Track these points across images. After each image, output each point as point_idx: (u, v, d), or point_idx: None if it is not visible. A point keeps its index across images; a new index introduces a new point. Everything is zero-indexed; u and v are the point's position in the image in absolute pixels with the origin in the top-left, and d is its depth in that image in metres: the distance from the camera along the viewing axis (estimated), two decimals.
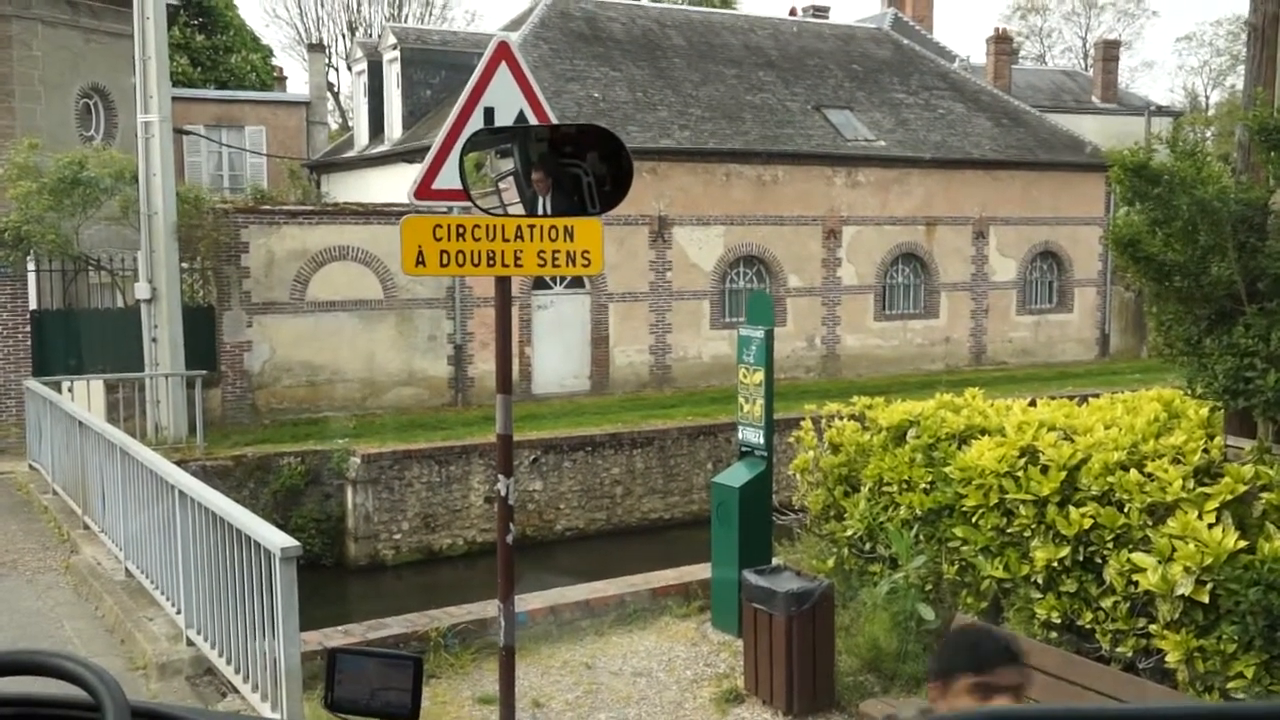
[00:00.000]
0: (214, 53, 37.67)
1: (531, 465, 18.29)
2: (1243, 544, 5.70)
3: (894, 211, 25.44)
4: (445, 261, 4.81)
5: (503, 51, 4.79)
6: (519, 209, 3.98)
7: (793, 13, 39.34)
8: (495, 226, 4.85)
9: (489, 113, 4.78)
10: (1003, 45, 40.23)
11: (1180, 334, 6.14)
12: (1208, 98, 64.06)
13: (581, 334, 22.44)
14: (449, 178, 4.80)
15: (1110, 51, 45.14)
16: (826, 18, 38.26)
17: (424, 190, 4.76)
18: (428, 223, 4.78)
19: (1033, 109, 31.14)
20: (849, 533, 8.03)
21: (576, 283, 22.18)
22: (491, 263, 4.84)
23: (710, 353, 23.36)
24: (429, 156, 4.77)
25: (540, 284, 21.59)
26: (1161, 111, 39.64)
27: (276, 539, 6.07)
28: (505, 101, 4.80)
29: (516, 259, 4.86)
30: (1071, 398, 8.67)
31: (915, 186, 25.64)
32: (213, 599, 7.20)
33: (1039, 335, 27.67)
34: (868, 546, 7.92)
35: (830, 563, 8.14)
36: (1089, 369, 26.58)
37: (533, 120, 4.82)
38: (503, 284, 5.02)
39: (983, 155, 26.44)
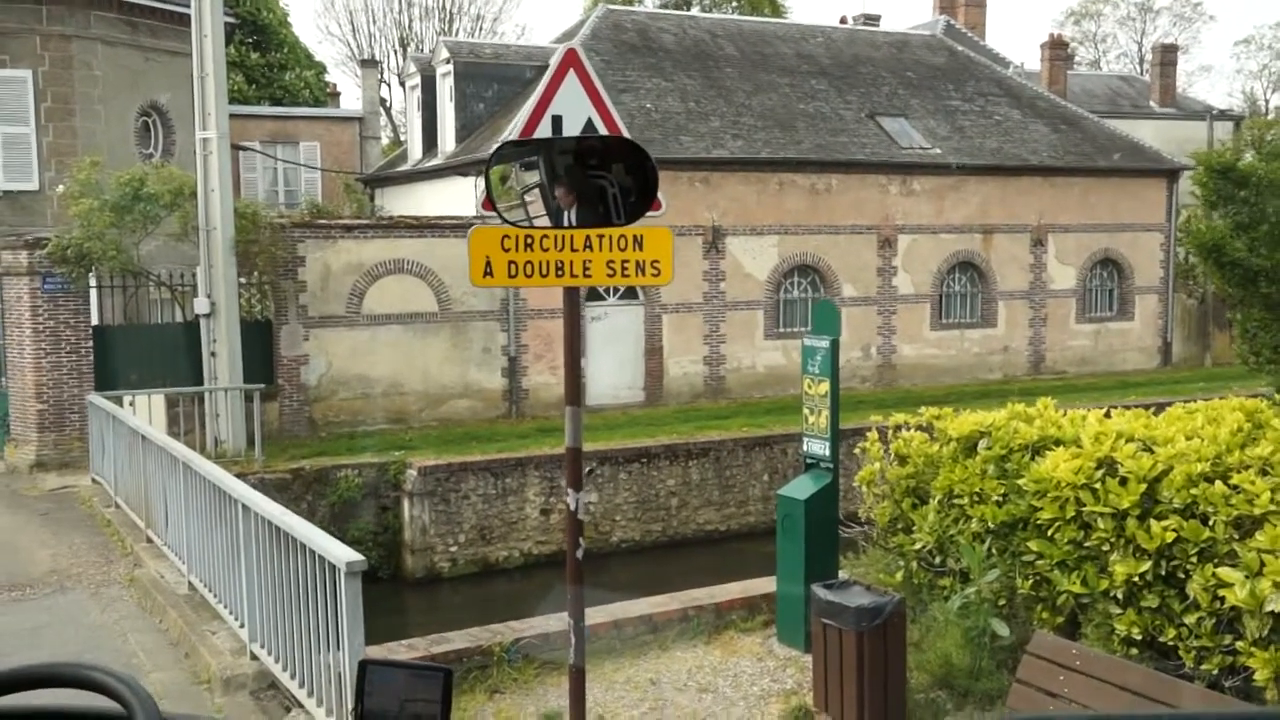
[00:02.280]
0: (269, 70, 38.17)
1: (587, 477, 18.21)
2: None
3: (950, 219, 25.16)
4: (513, 272, 4.74)
5: (571, 59, 4.72)
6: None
7: (843, 20, 39.15)
8: (564, 237, 4.77)
9: (557, 120, 4.70)
10: (1057, 51, 39.71)
11: (1267, 341, 5.95)
12: (1267, 101, 62.92)
13: (635, 345, 22.38)
14: None
15: (1168, 55, 44.40)
16: (878, 26, 38.04)
17: (492, 201, 4.68)
18: (495, 233, 4.71)
19: (1091, 115, 30.71)
20: (918, 546, 7.85)
21: (630, 294, 22.13)
22: (560, 273, 4.77)
23: (764, 363, 23.21)
24: None
25: (594, 295, 21.56)
26: (1223, 116, 38.92)
27: (341, 553, 6.03)
28: (573, 109, 4.72)
29: (585, 269, 4.78)
30: (1137, 407, 8.44)
31: (971, 194, 25.35)
32: (276, 613, 7.19)
33: (1099, 344, 27.21)
34: (937, 560, 7.75)
35: (898, 576, 7.97)
36: (1151, 378, 26.09)
37: (601, 128, 4.74)
38: (571, 294, 4.94)
39: (1040, 161, 26.09)
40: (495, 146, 2.57)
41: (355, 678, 1.85)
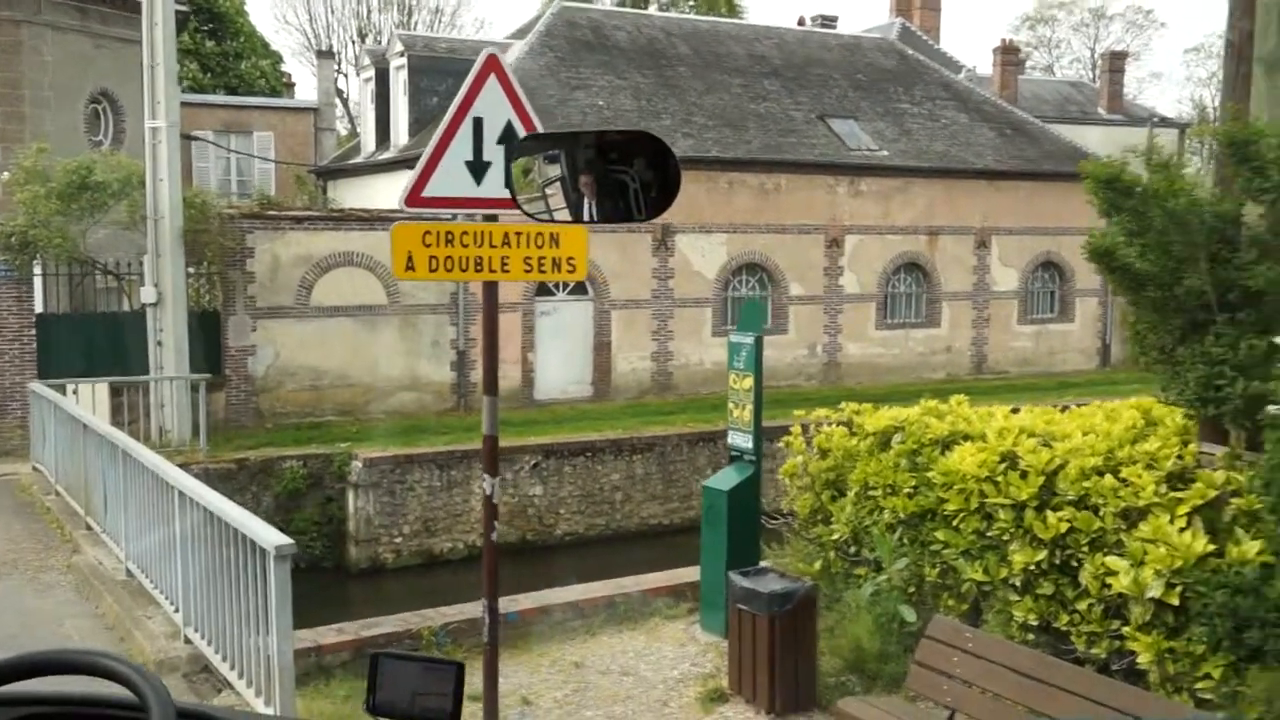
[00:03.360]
0: (224, 59, 37.97)
1: (532, 470, 18.45)
2: (1211, 548, 5.83)
3: (896, 221, 25.58)
4: (434, 267, 4.97)
5: (492, 64, 4.94)
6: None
7: (801, 22, 39.54)
8: (483, 233, 5.01)
9: (478, 123, 4.93)
10: (1009, 56, 40.33)
11: (1154, 343, 6.28)
12: (1215, 108, 64.11)
13: (584, 340, 22.60)
14: (439, 185, 4.95)
15: (1116, 63, 45.27)
16: (835, 27, 38.46)
17: (414, 198, 4.91)
18: (417, 229, 4.95)
19: (1037, 119, 31.28)
20: (835, 536, 8.16)
21: (579, 289, 22.35)
22: (479, 268, 5.00)
23: (712, 359, 23.49)
24: (420, 165, 4.92)
25: (543, 290, 21.76)
26: (1165, 123, 39.74)
27: (271, 537, 6.21)
28: (494, 112, 4.95)
29: (504, 265, 5.02)
30: (1075, 406, 8.76)
31: (917, 196, 25.78)
32: (210, 597, 7.35)
33: (1040, 345, 27.77)
34: (853, 550, 8.06)
35: (817, 565, 8.27)
36: (1090, 378, 26.66)
37: (520, 131, 4.97)
38: (490, 289, 5.18)
39: (985, 165, 26.57)
40: (518, 141, 2.69)
41: (368, 669, 1.90)
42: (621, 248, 22.37)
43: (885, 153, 25.59)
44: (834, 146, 25.12)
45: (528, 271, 5.04)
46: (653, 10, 40.43)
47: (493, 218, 5.04)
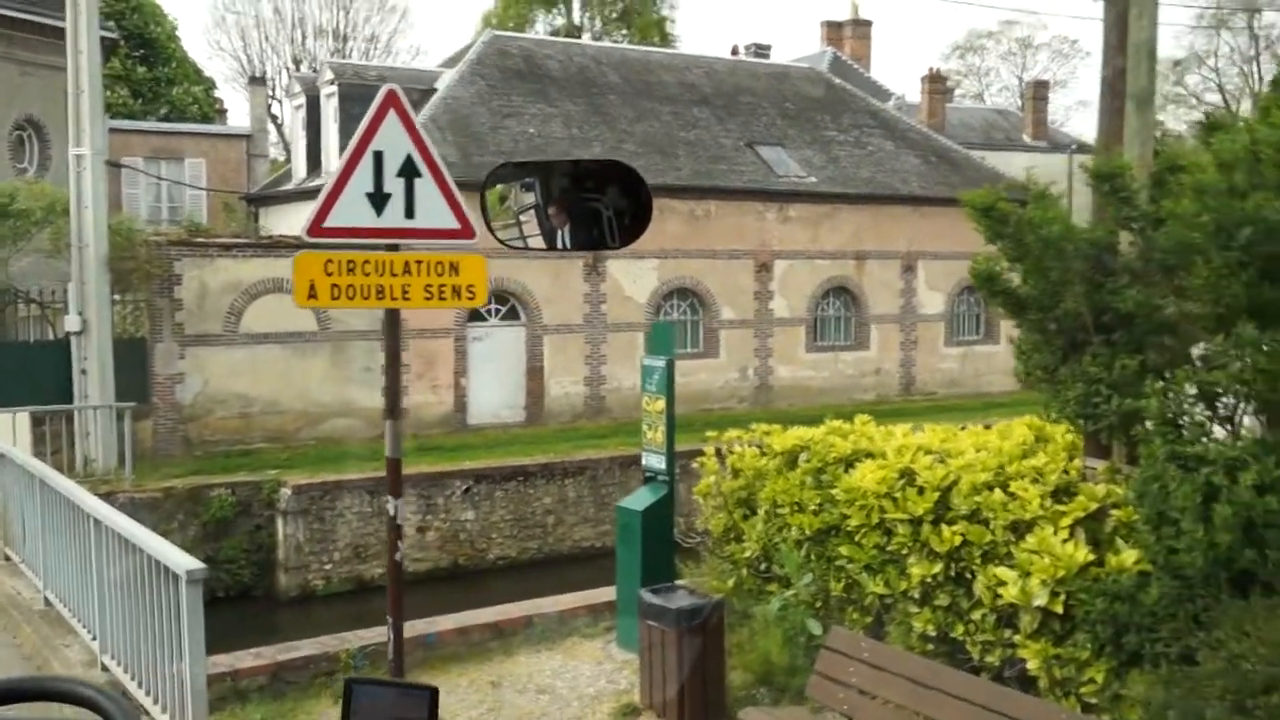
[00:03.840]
0: (156, 84, 37.75)
1: (464, 495, 18.51)
2: (1092, 557, 6.12)
3: (824, 246, 26.04)
4: (336, 295, 5.13)
5: (391, 99, 5.13)
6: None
7: (734, 51, 40.17)
8: (384, 262, 5.18)
9: (378, 156, 5.11)
10: (936, 84, 41.27)
11: (1038, 362, 6.58)
12: (1163, 135, 65.72)
13: (517, 365, 22.73)
14: (340, 216, 5.12)
15: (1040, 91, 46.48)
16: (768, 56, 39.11)
17: (315, 229, 5.08)
18: (319, 258, 5.11)
19: (962, 147, 32.02)
20: (747, 553, 8.38)
21: (511, 314, 22.51)
22: (381, 296, 5.17)
23: None
24: (321, 196, 5.09)
25: (475, 316, 21.87)
26: (1085, 149, 40.73)
27: (182, 560, 6.29)
28: (394, 146, 5.14)
29: (404, 292, 5.20)
30: (991, 425, 9.03)
31: (845, 222, 26.27)
32: (126, 624, 7.38)
33: (966, 366, 28.34)
34: (764, 566, 8.28)
35: (730, 582, 8.48)
36: (1015, 398, 27.14)
37: (421, 165, 5.16)
38: (392, 316, 5.35)
39: (910, 191, 27.15)
40: (492, 169, 2.77)
41: (342, 697, 1.88)
42: (553, 273, 22.57)
43: (813, 179, 26.06)
44: (762, 173, 25.56)
45: (428, 299, 5.21)
46: (585, 39, 40.83)
47: (394, 247, 5.21)
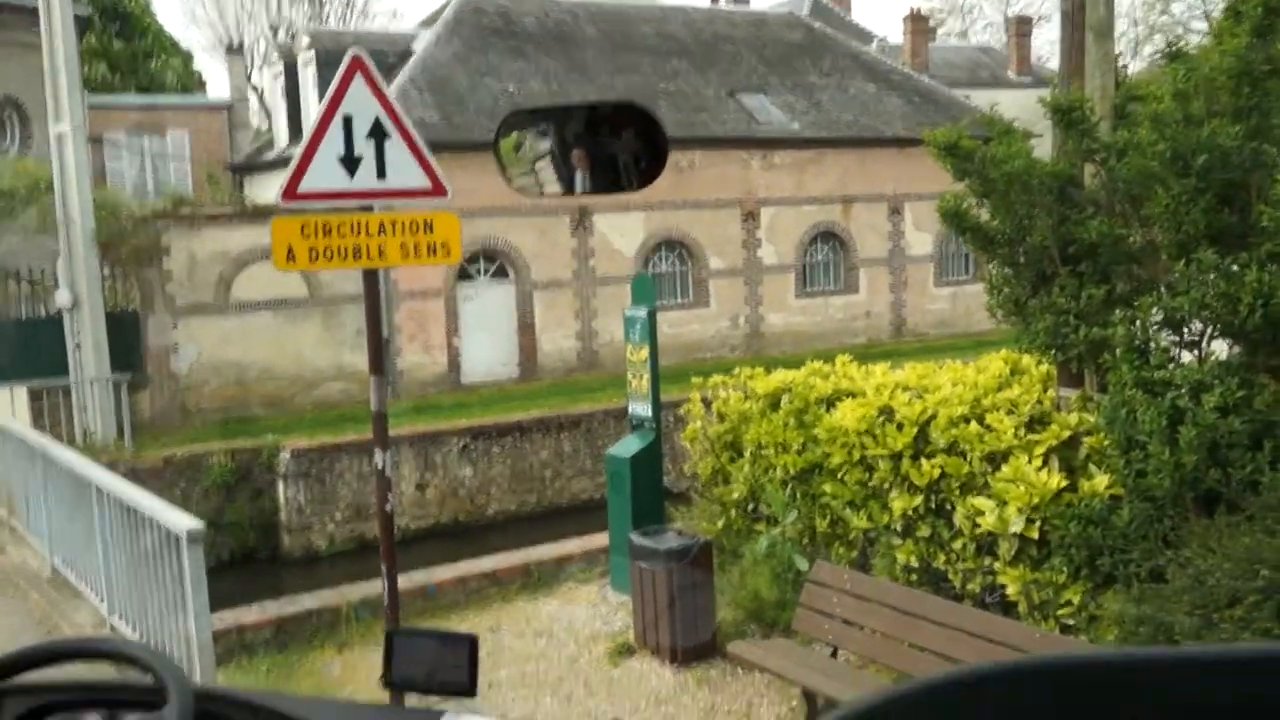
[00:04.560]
0: (133, 58, 37.46)
1: (461, 452, 18.70)
2: (1065, 483, 6.30)
3: (810, 191, 26.07)
4: (314, 257, 5.25)
5: (356, 64, 5.22)
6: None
7: (714, 0, 39.86)
8: (360, 223, 5.30)
9: (348, 120, 5.21)
10: (919, 24, 41.07)
11: (1009, 295, 6.73)
12: (1125, 68, 65.42)
13: (508, 323, 22.85)
14: (314, 180, 5.23)
15: (1022, 27, 46.30)
16: (748, 3, 38.86)
17: (290, 193, 5.18)
18: (295, 222, 5.23)
19: (947, 86, 31.94)
20: (735, 495, 8.57)
21: (501, 272, 22.60)
22: (358, 256, 5.29)
23: None
24: (294, 162, 5.19)
25: (465, 275, 21.97)
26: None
27: (182, 522, 6.47)
28: (362, 110, 5.24)
29: (381, 252, 5.32)
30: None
31: (830, 166, 26.29)
32: (131, 586, 7.58)
33: (956, 306, 28.47)
34: (751, 507, 8.48)
35: (720, 524, 8.68)
36: (1005, 336, 27.33)
37: (389, 126, 5.26)
38: (370, 276, 5.47)
39: (895, 133, 27.12)
40: (502, 119, 2.75)
41: (383, 647, 1.91)
42: (540, 230, 22.64)
43: (796, 125, 26.05)
44: (745, 121, 25.54)
45: (404, 257, 5.33)
46: None
47: (368, 208, 5.33)
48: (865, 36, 42.29)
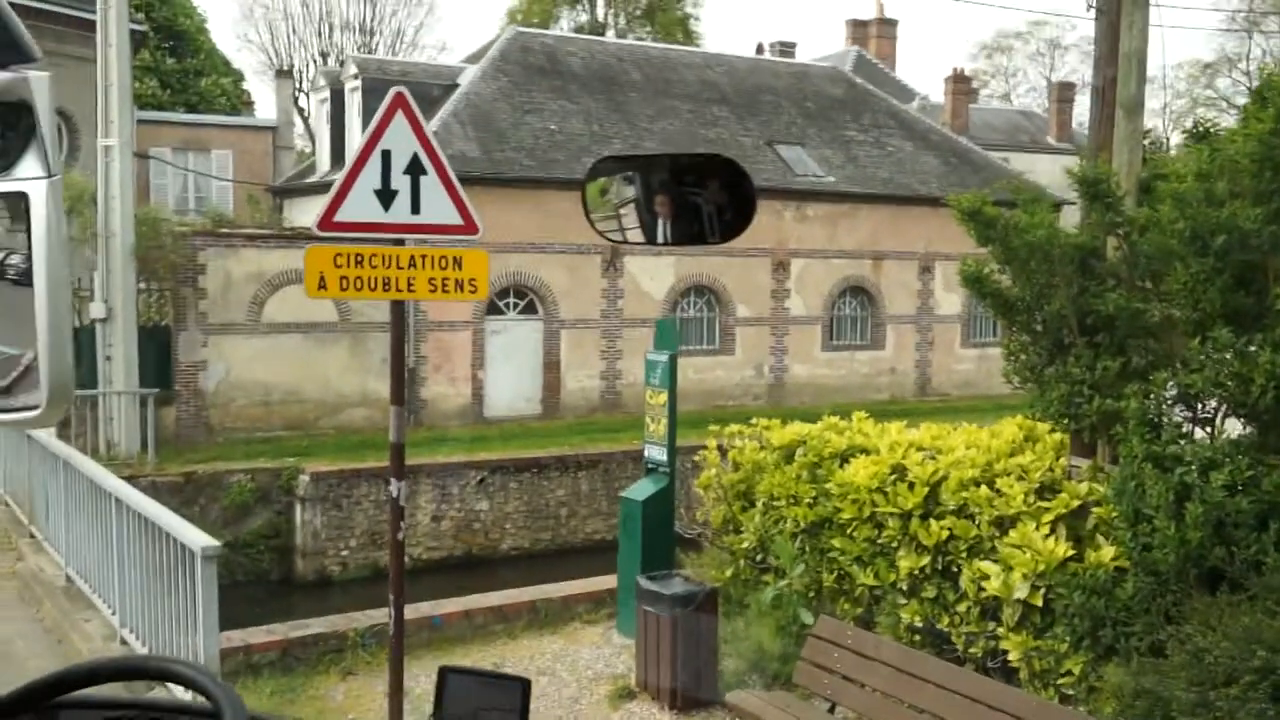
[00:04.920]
0: (184, 76, 38.14)
1: (479, 485, 18.80)
2: (1071, 552, 6.32)
3: (842, 245, 26.18)
4: (345, 286, 5.38)
5: (399, 101, 5.38)
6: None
7: (759, 49, 40.29)
8: (390, 256, 5.44)
9: (386, 155, 5.36)
10: (960, 85, 41.31)
11: (1026, 362, 6.78)
12: (1168, 138, 65.45)
13: (534, 359, 22.99)
14: (350, 211, 5.37)
15: (1065, 93, 46.46)
16: (793, 54, 39.23)
17: (326, 222, 5.33)
18: (329, 251, 5.37)
19: (986, 148, 32.09)
20: (745, 544, 8.61)
21: (529, 309, 22.78)
22: (387, 288, 5.42)
23: None
24: (332, 192, 5.34)
25: (494, 309, 22.16)
26: None
27: (198, 539, 6.58)
28: (401, 145, 5.38)
29: (409, 285, 5.45)
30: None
31: (863, 221, 26.41)
32: (144, 599, 7.69)
33: (981, 367, 28.36)
34: (760, 557, 8.51)
35: (729, 572, 8.71)
36: (1027, 400, 27.30)
37: (427, 163, 5.41)
38: (397, 307, 5.60)
39: (929, 191, 27.21)
40: (592, 162, 2.80)
41: (435, 684, 1.88)
42: (571, 268, 22.82)
43: (831, 179, 26.21)
44: (781, 172, 25.72)
45: (432, 291, 5.46)
46: (609, 35, 41.05)
47: (400, 242, 5.46)
48: (907, 94, 42.53)
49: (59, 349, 1.28)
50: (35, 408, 1.30)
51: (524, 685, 1.85)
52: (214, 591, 6.54)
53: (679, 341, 8.48)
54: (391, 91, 5.40)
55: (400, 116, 5.39)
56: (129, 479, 9.77)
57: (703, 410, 21.58)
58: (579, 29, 42.51)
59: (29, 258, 1.27)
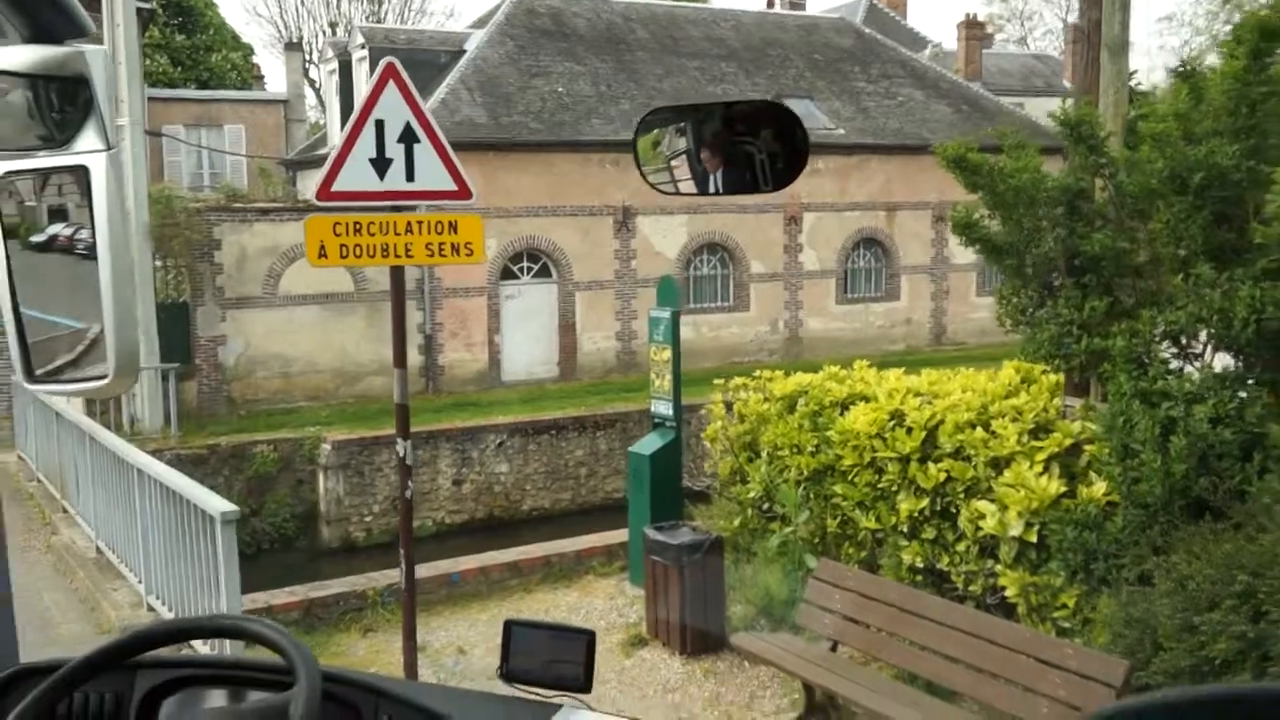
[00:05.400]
0: (194, 52, 38.27)
1: (498, 449, 19.04)
2: (1064, 489, 6.47)
3: (854, 197, 26.17)
4: (345, 254, 5.56)
5: (389, 71, 5.53)
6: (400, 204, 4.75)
7: (770, 4, 40.00)
8: (388, 223, 5.60)
9: (379, 125, 5.52)
10: (973, 31, 40.92)
11: (1017, 305, 6.90)
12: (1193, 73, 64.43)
13: (549, 322, 23.18)
14: (347, 180, 5.54)
15: (1078, 35, 45.87)
16: (804, 7, 38.96)
17: (324, 192, 5.50)
18: (328, 220, 5.54)
19: (1001, 94, 31.89)
20: (751, 494, 8.79)
21: (544, 272, 22.94)
22: (386, 254, 5.59)
23: None
24: (328, 162, 5.51)
25: (508, 274, 22.33)
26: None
27: (217, 504, 6.82)
28: (394, 114, 5.54)
29: (408, 250, 5.62)
30: None
31: (875, 173, 26.37)
32: (168, 566, 7.95)
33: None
34: (766, 506, 8.69)
35: (736, 522, 8.90)
36: None
37: (419, 131, 5.56)
38: (396, 272, 5.77)
39: (941, 141, 27.05)
40: (640, 116, 2.81)
41: (501, 637, 1.92)
42: (583, 231, 22.94)
43: (842, 131, 26.16)
44: None
45: (430, 255, 5.63)
46: None
47: (397, 209, 5.63)
48: (920, 42, 42.20)
49: (124, 320, 1.31)
50: (104, 377, 1.34)
51: (589, 637, 1.86)
52: (234, 555, 6.77)
53: (681, 298, 8.61)
54: (382, 62, 5.55)
55: (392, 86, 5.54)
56: (153, 453, 10.02)
57: (720, 366, 21.76)
58: None
59: (91, 232, 1.29)
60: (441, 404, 20.53)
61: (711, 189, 2.37)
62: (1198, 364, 6.38)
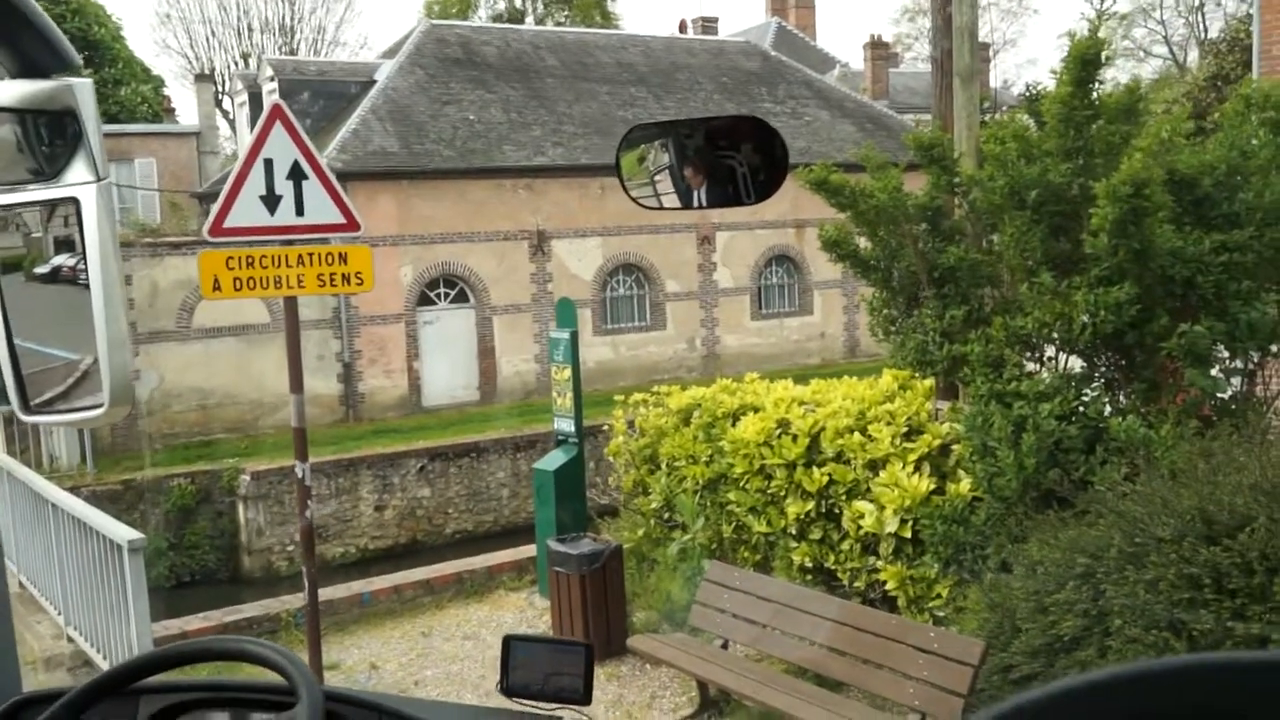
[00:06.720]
0: (103, 86, 37.88)
1: (419, 473, 19.22)
2: (934, 487, 6.92)
3: (765, 216, 26.73)
4: (239, 286, 5.83)
5: (276, 112, 5.82)
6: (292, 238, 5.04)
7: (682, 26, 40.71)
8: (280, 256, 5.89)
9: (268, 163, 5.80)
10: (878, 51, 42.03)
11: (887, 316, 7.35)
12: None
13: (468, 346, 23.40)
14: (239, 216, 5.81)
15: (982, 53, 47.27)
16: (716, 30, 39.73)
17: (216, 229, 5.77)
18: (221, 255, 5.81)
19: (907, 110, 32.77)
20: (653, 505, 9.16)
21: (461, 297, 23.17)
22: (279, 285, 5.87)
23: (594, 358, 24.40)
24: (219, 200, 5.78)
25: (425, 300, 22.53)
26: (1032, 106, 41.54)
27: (124, 533, 7.01)
28: (281, 153, 5.83)
29: (299, 281, 5.90)
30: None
31: (784, 191, 25.93)
32: (84, 597, 8.09)
33: None
34: (667, 516, 9.06)
35: (640, 533, 9.25)
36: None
37: (306, 168, 5.85)
38: (290, 302, 6.05)
39: (846, 158, 27.79)
40: (625, 131, 2.90)
41: (501, 654, 1.94)
42: (499, 255, 23.23)
43: None
44: None
45: (321, 285, 5.92)
46: (529, 23, 41.31)
47: (289, 242, 5.91)
48: (829, 62, 43.24)
49: (118, 349, 1.30)
50: (98, 407, 1.32)
51: (587, 650, 1.88)
52: (143, 581, 6.96)
53: (577, 320, 8.98)
54: (268, 104, 5.84)
55: (279, 126, 5.83)
56: (71, 489, 10.11)
57: (638, 385, 22.06)
58: (497, 17, 42.73)
59: (83, 262, 1.28)
60: (362, 431, 20.66)
61: (695, 204, 2.45)
62: (1051, 364, 6.87)
